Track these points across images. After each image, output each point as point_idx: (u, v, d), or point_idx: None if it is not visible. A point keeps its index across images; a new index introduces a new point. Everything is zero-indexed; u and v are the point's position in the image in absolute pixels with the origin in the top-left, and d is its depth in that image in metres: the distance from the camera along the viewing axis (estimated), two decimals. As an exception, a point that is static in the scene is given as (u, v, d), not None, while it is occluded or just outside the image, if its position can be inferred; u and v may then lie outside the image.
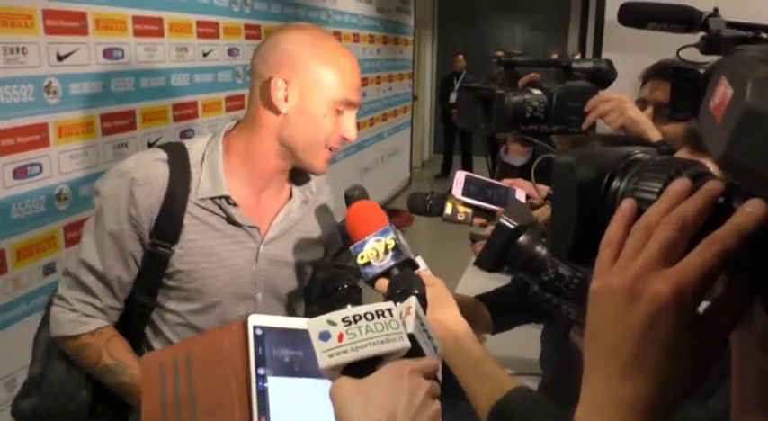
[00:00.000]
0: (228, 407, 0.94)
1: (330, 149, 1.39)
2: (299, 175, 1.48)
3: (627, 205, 0.55)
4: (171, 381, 0.99)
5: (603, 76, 1.62)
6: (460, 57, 9.58)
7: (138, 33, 2.86)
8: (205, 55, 3.43)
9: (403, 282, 1.01)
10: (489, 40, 10.82)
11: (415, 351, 0.83)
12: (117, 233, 1.33)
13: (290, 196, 1.47)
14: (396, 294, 0.97)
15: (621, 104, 1.53)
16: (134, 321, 1.41)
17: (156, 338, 1.42)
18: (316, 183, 1.53)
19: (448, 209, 1.42)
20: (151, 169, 1.34)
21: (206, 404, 0.96)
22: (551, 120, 1.55)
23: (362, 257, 1.10)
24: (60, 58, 2.42)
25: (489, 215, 1.41)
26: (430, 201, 1.43)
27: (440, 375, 0.88)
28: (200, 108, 3.38)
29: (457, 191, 1.40)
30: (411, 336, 0.82)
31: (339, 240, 1.61)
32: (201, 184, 1.35)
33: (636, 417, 0.51)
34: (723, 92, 0.46)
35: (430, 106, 11.68)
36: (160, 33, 3.03)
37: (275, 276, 1.45)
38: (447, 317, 1.07)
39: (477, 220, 1.41)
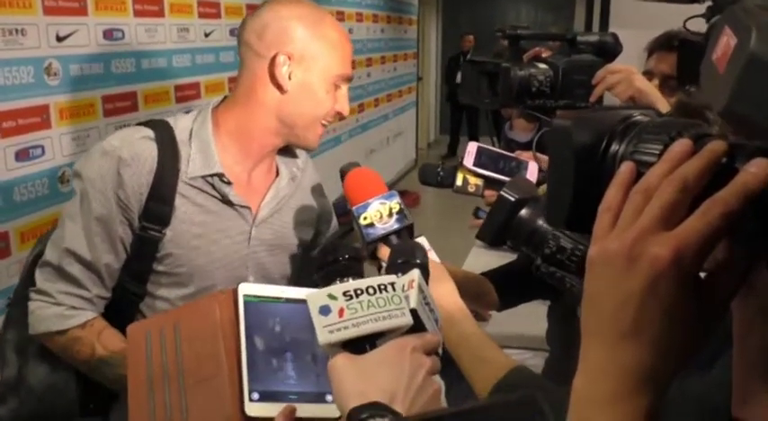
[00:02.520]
0: (218, 379, 0.92)
1: (324, 125, 1.37)
2: (284, 152, 1.45)
3: (626, 168, 0.53)
4: (158, 352, 0.97)
5: (609, 50, 1.59)
6: (470, 37, 9.45)
7: (138, 14, 2.83)
8: (207, 35, 3.39)
9: (404, 252, 0.97)
10: (495, 19, 10.70)
11: (417, 326, 0.81)
12: (105, 217, 1.27)
13: (278, 174, 1.44)
14: (397, 264, 0.94)
15: (630, 76, 1.50)
16: (122, 311, 1.34)
17: None
18: (301, 160, 1.49)
19: (459, 180, 1.40)
20: (138, 147, 1.27)
21: (195, 375, 0.94)
22: (558, 95, 1.53)
23: (366, 218, 1.07)
24: (60, 40, 2.40)
25: (500, 187, 1.40)
26: (441, 172, 1.42)
27: (440, 350, 0.86)
28: (203, 89, 3.35)
29: (468, 161, 1.38)
30: (413, 312, 0.81)
31: (333, 220, 1.59)
32: (192, 162, 1.30)
33: (635, 384, 0.49)
34: (726, 42, 0.44)
35: (435, 87, 11.60)
36: (161, 14, 3.00)
37: (267, 258, 1.42)
38: (443, 298, 1.04)
39: (488, 192, 1.39)
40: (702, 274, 0.50)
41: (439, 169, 1.42)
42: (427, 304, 0.85)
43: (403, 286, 0.83)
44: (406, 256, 0.95)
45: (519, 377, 0.95)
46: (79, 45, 2.50)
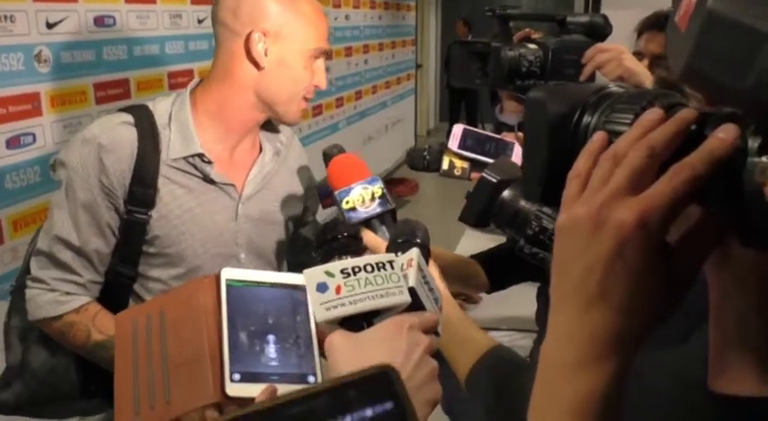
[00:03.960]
0: (200, 361, 0.93)
1: (305, 99, 1.37)
2: (267, 127, 1.46)
3: (597, 137, 0.53)
4: (143, 338, 0.99)
5: (599, 31, 1.58)
6: (460, 23, 9.39)
7: (129, 0, 2.81)
8: (200, 22, 3.38)
9: (405, 231, 0.97)
10: (495, 5, 10.63)
11: (415, 305, 0.81)
12: (90, 204, 1.29)
13: (261, 150, 1.45)
14: (397, 243, 0.95)
15: (619, 55, 1.51)
16: (117, 294, 1.37)
17: None
18: (285, 135, 1.51)
19: (445, 163, 1.39)
20: (118, 133, 1.29)
21: (178, 358, 0.95)
22: (548, 75, 1.53)
23: (348, 202, 1.08)
24: (50, 26, 2.39)
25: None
26: (427, 156, 1.41)
27: (440, 329, 0.86)
28: (196, 76, 3.32)
29: (453, 144, 1.38)
30: (412, 290, 0.80)
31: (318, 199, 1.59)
32: (172, 144, 1.32)
33: (602, 349, 0.49)
34: (688, 1, 0.43)
35: (435, 74, 11.56)
36: (152, 0, 2.99)
37: (257, 234, 1.43)
38: None
39: (475, 175, 1.38)
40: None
41: (425, 153, 1.42)
42: (426, 283, 0.85)
43: (402, 265, 0.83)
44: (406, 235, 0.96)
45: (498, 357, 0.95)
46: (69, 32, 2.48)
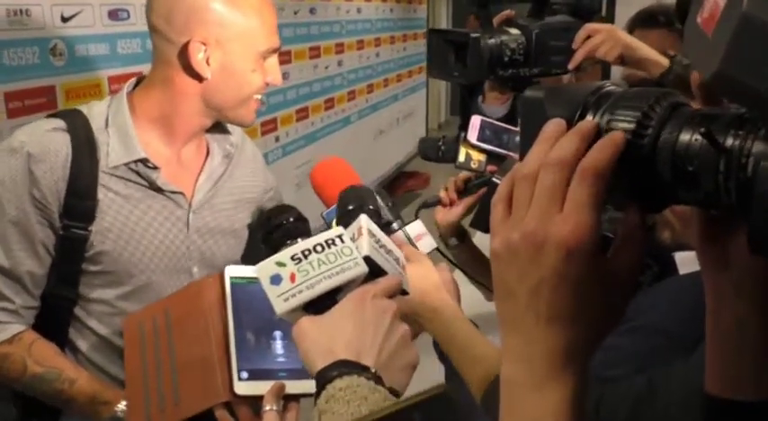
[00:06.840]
0: (208, 361, 0.94)
1: (258, 99, 1.28)
2: (214, 128, 1.35)
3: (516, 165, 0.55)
4: (151, 340, 1.00)
5: (586, 8, 1.47)
6: (471, 17, 9.34)
7: (143, -6, 2.82)
8: (213, 15, 3.38)
9: (352, 199, 0.93)
10: (506, -2, 10.56)
11: (375, 272, 0.80)
12: (20, 220, 1.18)
13: (208, 153, 1.35)
14: (347, 212, 0.91)
15: (613, 33, 1.40)
16: (54, 319, 1.26)
17: (82, 335, 1.27)
18: (235, 136, 1.39)
19: (461, 155, 1.37)
20: (48, 141, 1.19)
21: (185, 359, 0.96)
22: (532, 63, 1.42)
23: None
24: (65, 20, 2.40)
25: (503, 162, 1.36)
26: (442, 147, 1.38)
27: (408, 286, 0.85)
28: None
29: (472, 135, 1.35)
30: (367, 259, 0.79)
31: (279, 194, 1.50)
32: (112, 150, 1.21)
33: (559, 364, 0.51)
34: (714, 2, 0.42)
35: (446, 67, 11.52)
36: (166, -7, 2.99)
37: (210, 246, 1.33)
38: (428, 296, 1.00)
39: (491, 168, 1.35)
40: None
41: (440, 143, 1.39)
42: (383, 246, 0.83)
43: (353, 235, 0.81)
44: (354, 203, 0.92)
45: None
46: (84, 25, 2.50)
